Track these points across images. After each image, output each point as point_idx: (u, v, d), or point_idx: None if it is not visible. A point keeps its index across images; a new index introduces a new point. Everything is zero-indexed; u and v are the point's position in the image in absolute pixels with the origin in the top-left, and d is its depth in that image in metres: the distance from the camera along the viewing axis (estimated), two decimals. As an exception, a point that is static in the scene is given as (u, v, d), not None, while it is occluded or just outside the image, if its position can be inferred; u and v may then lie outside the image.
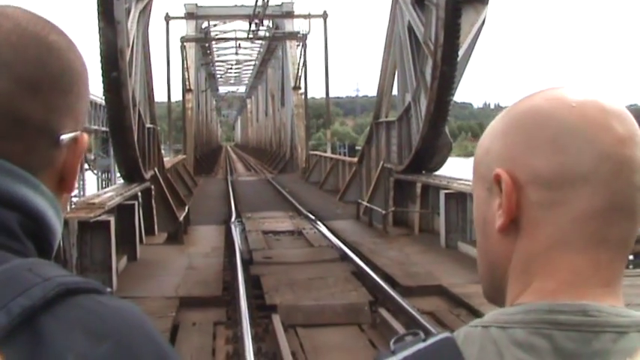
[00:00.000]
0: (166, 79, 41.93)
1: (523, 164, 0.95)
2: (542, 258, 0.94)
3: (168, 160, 29.54)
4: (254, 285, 12.14)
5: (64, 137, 1.01)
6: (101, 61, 15.00)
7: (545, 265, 0.94)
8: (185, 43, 46.07)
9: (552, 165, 0.93)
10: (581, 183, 0.92)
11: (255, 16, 44.01)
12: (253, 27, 46.80)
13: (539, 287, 0.94)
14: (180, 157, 39.12)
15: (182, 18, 47.66)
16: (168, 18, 43.95)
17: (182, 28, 48.54)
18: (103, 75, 15.04)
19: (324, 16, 43.77)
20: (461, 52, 15.80)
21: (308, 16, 45.73)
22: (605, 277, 0.94)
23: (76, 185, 1.06)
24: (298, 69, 46.51)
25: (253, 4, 42.55)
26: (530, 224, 0.95)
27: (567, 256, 0.93)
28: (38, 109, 0.98)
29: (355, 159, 26.90)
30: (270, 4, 41.85)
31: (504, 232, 0.97)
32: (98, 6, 14.73)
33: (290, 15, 47.84)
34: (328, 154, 37.86)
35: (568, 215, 0.93)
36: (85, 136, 1.05)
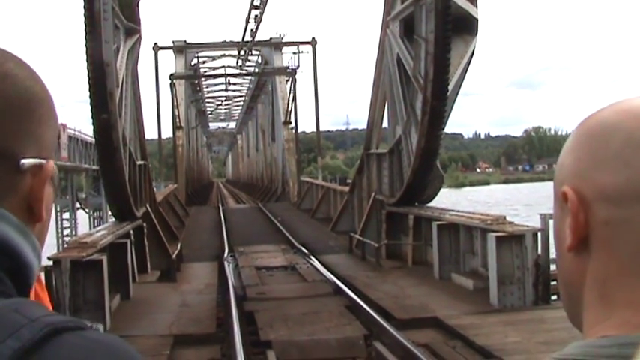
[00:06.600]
0: (156, 114, 42.06)
1: (589, 180, 0.90)
2: (617, 284, 0.88)
3: (160, 193, 29.39)
4: (248, 321, 12.08)
5: (25, 162, 1.01)
6: (91, 104, 15.01)
7: (622, 294, 0.87)
8: (174, 80, 46.17)
9: (618, 181, 0.87)
10: None
11: (244, 44, 44.15)
12: (242, 59, 46.82)
13: (621, 321, 0.86)
14: (172, 186, 38.91)
15: (170, 48, 47.85)
16: (156, 48, 44.10)
17: (171, 65, 48.75)
18: (92, 117, 15.05)
19: (313, 42, 44.02)
20: (450, 86, 15.81)
21: (297, 44, 45.80)
22: None
23: (51, 215, 1.03)
24: (288, 104, 46.57)
25: (241, 38, 42.82)
26: (600, 244, 0.89)
27: None
28: None
29: (346, 188, 26.83)
30: (258, 38, 42.02)
31: (575, 252, 0.92)
32: (87, 49, 14.75)
33: (279, 44, 47.96)
34: (319, 181, 37.83)
35: (638, 234, 0.86)
36: (51, 162, 1.05)
